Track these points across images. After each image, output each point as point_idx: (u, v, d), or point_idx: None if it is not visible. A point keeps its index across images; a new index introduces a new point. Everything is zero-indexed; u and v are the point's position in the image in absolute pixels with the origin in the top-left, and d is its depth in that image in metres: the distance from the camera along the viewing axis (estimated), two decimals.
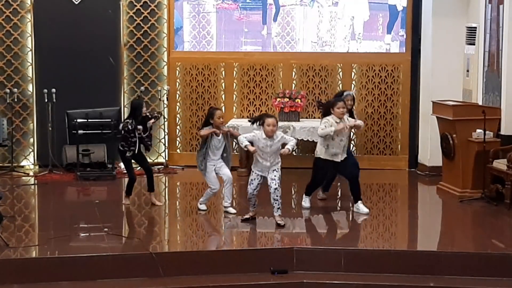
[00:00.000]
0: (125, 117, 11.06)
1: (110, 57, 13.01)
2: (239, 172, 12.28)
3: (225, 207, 10.15)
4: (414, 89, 13.06)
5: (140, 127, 10.31)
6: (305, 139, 12.43)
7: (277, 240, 9.26)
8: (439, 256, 8.56)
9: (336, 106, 9.93)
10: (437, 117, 11.44)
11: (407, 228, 10.18)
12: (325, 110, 10.14)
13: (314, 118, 13.02)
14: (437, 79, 12.54)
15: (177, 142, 13.35)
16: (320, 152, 10.06)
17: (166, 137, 13.22)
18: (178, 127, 13.33)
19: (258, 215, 9.90)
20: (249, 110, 13.22)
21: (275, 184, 9.45)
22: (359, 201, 10.18)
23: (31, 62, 12.89)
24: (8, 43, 12.82)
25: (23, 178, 12.37)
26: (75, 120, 12.25)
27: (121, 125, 10.41)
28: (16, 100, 12.80)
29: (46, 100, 12.70)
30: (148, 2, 13.01)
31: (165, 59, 13.15)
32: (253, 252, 8.72)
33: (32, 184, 11.97)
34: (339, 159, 10.02)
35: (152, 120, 10.47)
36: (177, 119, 13.31)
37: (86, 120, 12.28)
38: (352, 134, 10.67)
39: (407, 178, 12.78)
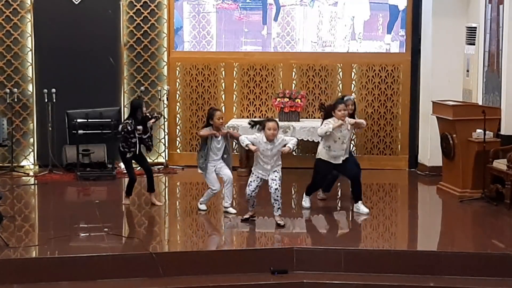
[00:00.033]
0: (126, 117, 11.04)
1: (110, 57, 13.01)
2: (239, 172, 12.28)
3: (225, 207, 10.15)
4: (414, 89, 13.06)
5: (140, 127, 10.31)
6: (305, 139, 12.43)
7: (277, 240, 9.26)
8: (439, 256, 8.56)
9: (337, 108, 9.94)
10: (437, 117, 11.44)
11: (407, 228, 10.18)
12: (327, 113, 10.16)
13: (314, 118, 13.03)
14: (437, 79, 12.54)
15: (177, 142, 13.35)
16: (321, 153, 10.07)
17: (166, 137, 13.22)
18: (178, 127, 13.33)
19: (258, 215, 9.90)
20: (249, 110, 13.22)
21: (276, 185, 9.46)
22: (359, 201, 10.18)
23: (31, 62, 12.89)
24: (8, 43, 12.82)
25: (23, 178, 12.37)
26: (75, 120, 12.25)
27: (121, 126, 10.40)
28: (16, 100, 12.80)
29: (46, 100, 12.70)
30: (148, 2, 13.01)
31: (165, 59, 13.15)
32: (253, 252, 8.72)
33: (32, 184, 11.97)
34: (340, 161, 10.02)
35: (152, 120, 10.47)
36: (177, 119, 13.31)
37: (86, 120, 12.28)
38: (352, 134, 10.66)
39: (407, 178, 12.78)
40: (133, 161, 10.48)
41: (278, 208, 9.50)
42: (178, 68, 13.22)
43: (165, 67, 13.16)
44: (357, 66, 13.15)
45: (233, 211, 10.07)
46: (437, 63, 12.55)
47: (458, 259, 8.48)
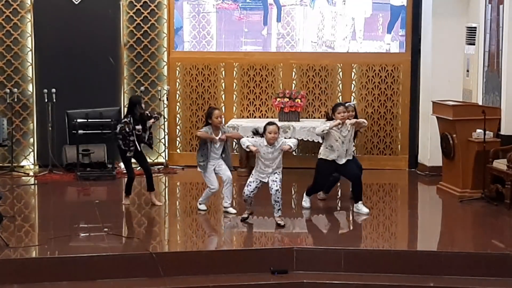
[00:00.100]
0: (125, 113, 10.99)
1: (110, 57, 13.01)
2: (239, 172, 12.28)
3: (225, 207, 10.15)
4: (414, 89, 13.06)
5: (139, 127, 10.30)
6: (305, 139, 12.43)
7: (277, 240, 9.26)
8: (439, 256, 8.56)
9: (337, 111, 9.97)
10: (437, 117, 11.44)
11: (407, 228, 10.18)
12: (328, 117, 10.18)
13: (314, 118, 13.03)
14: (437, 79, 12.53)
15: (177, 142, 13.35)
16: (323, 153, 10.08)
17: (166, 137, 13.22)
18: (178, 127, 13.33)
19: (258, 215, 9.91)
20: (249, 110, 13.22)
21: (276, 186, 9.46)
22: (360, 202, 10.19)
23: (31, 62, 12.89)
24: (8, 43, 12.82)
25: (23, 178, 12.37)
26: (75, 120, 12.25)
27: (118, 127, 10.34)
28: (16, 100, 12.80)
29: (46, 100, 12.70)
30: (148, 2, 13.01)
31: (165, 59, 13.15)
32: (253, 252, 8.72)
33: (32, 184, 11.97)
34: (341, 161, 10.03)
35: (152, 120, 10.47)
36: (177, 119, 13.31)
37: (86, 120, 12.28)
38: (354, 135, 10.66)
39: (407, 178, 12.78)
40: (133, 159, 10.49)
41: (279, 209, 9.51)
42: (178, 68, 13.22)
43: (165, 67, 13.16)
44: (357, 66, 13.15)
45: (233, 211, 10.08)
46: (437, 63, 12.55)
47: (458, 259, 8.49)
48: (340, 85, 13.16)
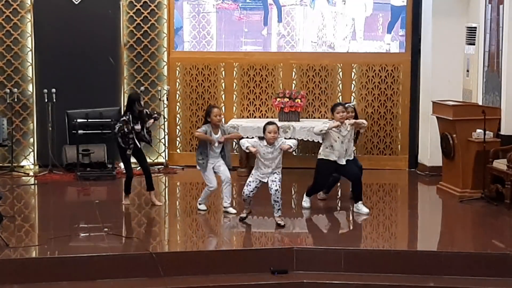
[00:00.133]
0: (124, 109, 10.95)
1: (110, 57, 13.01)
2: (239, 172, 12.28)
3: (224, 207, 10.15)
4: (414, 89, 13.06)
5: (138, 127, 10.29)
6: (305, 139, 12.42)
7: (277, 240, 9.26)
8: (439, 256, 8.56)
9: (336, 111, 10.00)
10: (437, 117, 11.44)
11: (407, 228, 10.18)
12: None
13: (314, 118, 13.03)
14: (437, 79, 12.53)
15: (177, 142, 13.35)
16: (323, 153, 10.09)
17: (166, 137, 13.22)
18: (178, 127, 13.33)
19: (258, 215, 9.91)
20: (249, 110, 13.22)
21: (276, 186, 9.47)
22: (360, 202, 10.19)
23: (31, 62, 12.89)
24: (8, 43, 12.82)
25: (23, 178, 12.37)
26: (75, 120, 12.25)
27: (117, 127, 10.34)
28: (16, 100, 12.80)
29: (46, 100, 12.70)
30: (148, 2, 13.01)
31: (165, 59, 13.15)
32: (253, 252, 8.72)
33: (32, 184, 11.97)
34: (342, 161, 10.03)
35: (151, 121, 10.47)
36: (177, 119, 13.31)
37: (86, 120, 12.28)
38: (354, 135, 10.67)
39: (407, 178, 12.77)
40: (133, 159, 10.48)
41: (278, 209, 9.51)
42: (178, 68, 13.22)
43: (165, 67, 13.16)
44: (357, 66, 13.15)
45: (233, 211, 10.07)
46: (437, 63, 12.55)
47: (458, 259, 8.48)
48: (340, 85, 13.16)
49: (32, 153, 13.01)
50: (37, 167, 12.94)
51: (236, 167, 12.40)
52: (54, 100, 12.65)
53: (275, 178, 9.49)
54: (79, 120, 12.23)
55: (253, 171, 9.66)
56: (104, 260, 8.33)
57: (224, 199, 10.15)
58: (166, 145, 13.20)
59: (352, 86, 13.16)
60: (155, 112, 10.83)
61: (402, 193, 12.27)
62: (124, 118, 10.32)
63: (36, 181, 12.09)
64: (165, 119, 13.16)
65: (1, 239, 8.60)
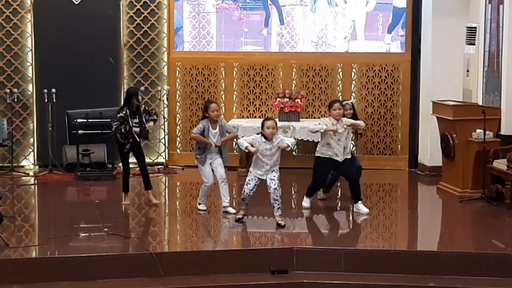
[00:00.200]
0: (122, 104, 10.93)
1: (110, 57, 13.01)
2: (239, 172, 12.28)
3: (224, 207, 10.15)
4: (414, 89, 13.06)
5: (137, 130, 10.29)
6: (305, 139, 12.42)
7: (277, 240, 9.26)
8: (439, 256, 8.56)
9: (333, 108, 10.02)
10: (437, 117, 11.44)
11: (407, 228, 10.18)
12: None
13: (314, 118, 13.02)
14: (437, 79, 12.53)
15: (177, 142, 13.35)
16: (320, 151, 10.10)
17: (166, 137, 13.22)
18: (178, 127, 13.33)
19: (258, 215, 9.91)
20: (249, 110, 13.22)
21: (275, 184, 9.47)
22: (359, 201, 10.19)
23: (31, 62, 12.89)
24: (8, 43, 12.82)
25: (23, 178, 12.37)
26: (75, 120, 12.25)
27: (114, 126, 10.34)
28: (16, 100, 12.80)
29: (46, 100, 12.70)
30: (148, 2, 13.01)
31: (165, 59, 13.15)
32: (253, 252, 8.72)
33: (32, 184, 11.97)
34: (339, 158, 10.04)
35: (151, 124, 10.45)
36: (177, 119, 13.31)
37: (86, 120, 12.28)
38: (352, 134, 10.67)
39: (407, 178, 12.78)
40: (133, 159, 10.48)
41: (278, 208, 9.50)
42: (178, 68, 13.22)
43: (165, 67, 13.16)
44: (357, 66, 13.15)
45: (232, 210, 10.07)
46: (437, 63, 12.55)
47: (458, 259, 8.48)
48: (340, 85, 13.17)
49: (32, 153, 13.01)
50: (37, 167, 12.94)
51: (236, 167, 12.41)
52: (54, 100, 12.65)
53: (274, 176, 9.49)
54: (79, 120, 12.23)
55: (251, 169, 9.65)
56: (104, 260, 8.33)
57: (222, 199, 10.14)
58: (166, 145, 13.20)
59: (352, 86, 13.16)
60: (153, 112, 10.77)
61: (402, 193, 12.27)
62: (121, 114, 10.30)
63: (36, 181, 12.09)
64: (165, 119, 13.16)
65: (1, 239, 8.60)
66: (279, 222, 9.48)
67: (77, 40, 12.86)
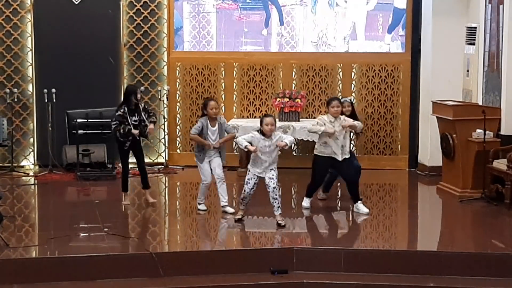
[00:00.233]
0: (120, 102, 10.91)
1: (110, 57, 13.01)
2: (239, 172, 12.28)
3: (222, 206, 10.14)
4: (414, 89, 13.06)
5: (135, 131, 10.28)
6: (305, 139, 12.42)
7: (277, 240, 9.26)
8: (439, 256, 8.56)
9: (331, 105, 10.03)
10: (437, 117, 11.44)
11: (407, 228, 10.18)
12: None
13: (314, 118, 13.01)
14: (437, 79, 12.53)
15: (177, 142, 13.35)
16: (319, 149, 10.11)
17: (166, 137, 13.22)
18: (178, 127, 13.33)
19: (258, 215, 9.91)
20: (249, 110, 13.22)
21: (274, 183, 9.47)
22: (359, 201, 10.19)
23: (31, 62, 12.89)
24: (8, 43, 12.82)
25: (23, 178, 12.37)
26: (75, 120, 12.25)
27: (113, 126, 10.33)
28: (16, 100, 12.80)
29: (46, 100, 12.70)
30: (148, 2, 13.01)
31: (165, 59, 13.15)
32: (253, 252, 8.72)
33: (32, 184, 11.97)
34: (338, 157, 10.03)
35: (151, 126, 10.44)
36: (177, 119, 13.31)
37: (86, 120, 12.28)
38: (352, 134, 10.67)
39: (407, 178, 12.77)
40: (133, 159, 10.48)
41: (278, 207, 9.50)
42: (178, 68, 13.22)
43: (165, 67, 13.17)
44: (357, 66, 13.15)
45: (231, 210, 10.07)
46: (437, 63, 12.55)
47: (458, 259, 8.48)
48: (340, 85, 13.16)
49: (32, 153, 13.01)
50: (37, 167, 12.94)
51: (236, 167, 12.42)
52: (54, 100, 12.65)
53: (273, 175, 9.49)
54: (79, 120, 12.23)
55: (249, 167, 9.65)
56: (104, 260, 8.33)
57: (220, 198, 10.13)
58: (166, 145, 13.20)
59: (352, 86, 13.16)
60: (152, 113, 10.72)
61: (402, 193, 12.27)
62: (119, 112, 10.30)
63: (36, 181, 12.09)
64: (165, 119, 13.16)
65: (1, 239, 8.60)
66: (280, 222, 9.48)
67: (77, 40, 12.86)
